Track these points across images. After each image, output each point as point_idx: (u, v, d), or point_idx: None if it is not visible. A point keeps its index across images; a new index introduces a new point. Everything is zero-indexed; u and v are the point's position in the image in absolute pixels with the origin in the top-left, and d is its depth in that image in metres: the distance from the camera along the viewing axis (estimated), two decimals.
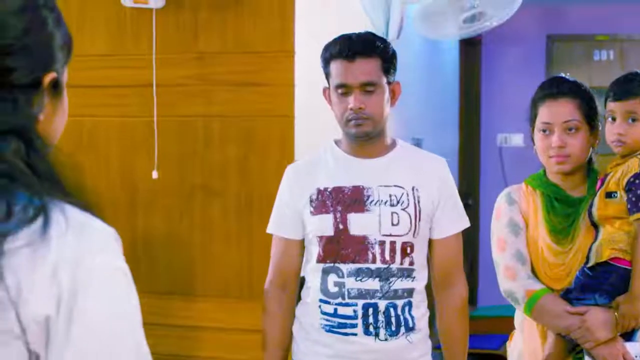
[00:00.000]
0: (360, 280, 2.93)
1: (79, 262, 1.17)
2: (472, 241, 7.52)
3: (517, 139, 8.30)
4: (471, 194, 8.19)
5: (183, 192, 4.34)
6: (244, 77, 4.22)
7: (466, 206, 3.31)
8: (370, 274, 2.94)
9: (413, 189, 3.00)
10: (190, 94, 4.31)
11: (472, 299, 7.91)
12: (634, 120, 2.95)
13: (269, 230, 3.15)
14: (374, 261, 2.94)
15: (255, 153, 4.22)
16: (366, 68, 2.94)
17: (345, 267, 2.95)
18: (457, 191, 3.13)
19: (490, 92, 8.70)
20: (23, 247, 1.14)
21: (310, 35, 4.24)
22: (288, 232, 3.09)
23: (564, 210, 3.08)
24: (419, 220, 2.99)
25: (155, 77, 4.30)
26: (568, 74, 3.23)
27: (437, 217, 3.04)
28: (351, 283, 2.94)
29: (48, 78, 1.32)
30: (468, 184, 8.29)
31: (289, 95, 4.14)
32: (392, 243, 2.96)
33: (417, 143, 5.99)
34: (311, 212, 3.01)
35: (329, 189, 3.00)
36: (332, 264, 2.97)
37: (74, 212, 1.22)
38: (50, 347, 1.14)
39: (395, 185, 2.99)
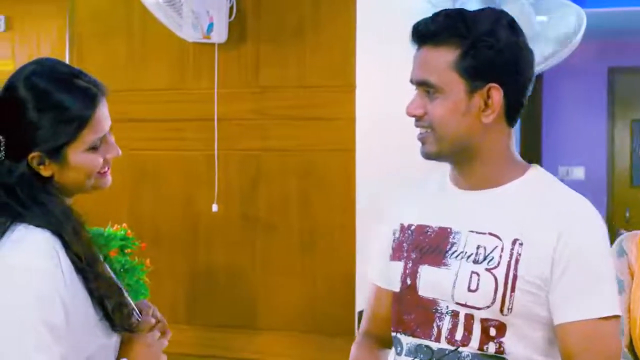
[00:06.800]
0: None
1: None
2: None
3: (578, 172, 8.21)
4: None
5: (244, 225, 4.35)
6: (305, 112, 4.23)
7: None
8: (430, 355, 1.98)
9: (514, 242, 1.93)
10: (251, 127, 4.33)
11: None
12: None
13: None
14: (437, 339, 1.97)
15: (316, 187, 4.21)
16: (427, 60, 1.97)
17: (405, 341, 2.03)
18: (601, 259, 1.94)
19: (551, 125, 8.64)
20: None
21: (372, 68, 4.24)
22: (376, 277, 2.20)
23: None
24: (512, 289, 1.91)
25: (217, 111, 4.32)
26: None
27: (553, 291, 1.91)
28: None
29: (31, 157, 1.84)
30: None
31: (350, 129, 4.13)
32: (468, 317, 1.94)
33: None
34: (390, 255, 2.11)
35: (412, 227, 2.08)
36: (394, 333, 2.08)
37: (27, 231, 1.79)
38: None
39: (489, 233, 1.96)
